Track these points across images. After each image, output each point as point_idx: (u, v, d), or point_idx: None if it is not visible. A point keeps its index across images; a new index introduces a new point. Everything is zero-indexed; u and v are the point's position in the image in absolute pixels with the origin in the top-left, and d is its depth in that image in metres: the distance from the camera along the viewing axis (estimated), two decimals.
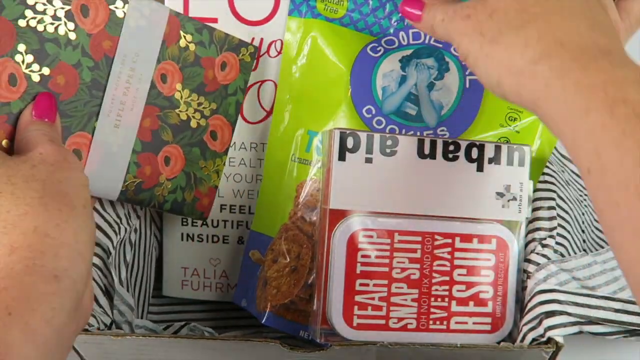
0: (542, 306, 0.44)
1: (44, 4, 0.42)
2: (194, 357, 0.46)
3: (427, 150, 0.47)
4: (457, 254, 0.47)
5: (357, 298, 0.45)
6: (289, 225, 0.51)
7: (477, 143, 0.47)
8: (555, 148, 0.57)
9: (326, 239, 0.46)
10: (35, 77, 0.42)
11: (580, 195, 0.57)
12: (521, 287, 0.49)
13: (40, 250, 0.30)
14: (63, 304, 0.30)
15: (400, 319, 0.46)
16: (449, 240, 0.47)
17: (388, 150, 0.46)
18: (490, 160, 0.47)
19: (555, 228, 0.48)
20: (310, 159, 0.51)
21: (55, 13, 0.43)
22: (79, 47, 0.44)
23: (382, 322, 0.46)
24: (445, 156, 0.47)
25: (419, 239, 0.47)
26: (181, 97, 0.48)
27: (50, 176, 0.33)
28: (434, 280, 0.47)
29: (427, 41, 0.51)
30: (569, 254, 0.49)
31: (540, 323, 0.44)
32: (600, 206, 0.29)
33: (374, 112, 0.50)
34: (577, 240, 0.51)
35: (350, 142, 0.46)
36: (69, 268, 0.30)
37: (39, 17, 0.42)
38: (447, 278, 0.47)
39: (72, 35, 0.43)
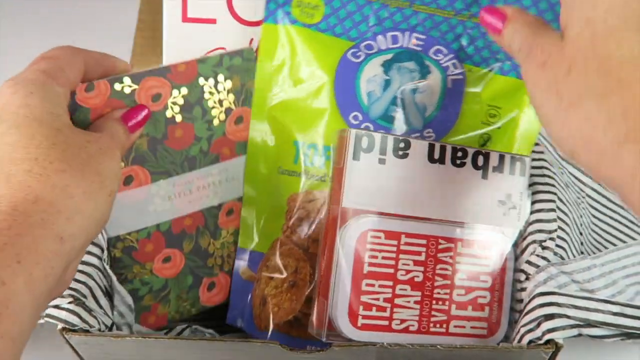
0: (542, 309, 0.44)
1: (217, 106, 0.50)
2: (194, 358, 0.46)
3: (436, 155, 0.47)
4: (458, 259, 0.48)
5: (363, 298, 0.45)
6: (282, 239, 0.50)
7: (483, 151, 0.48)
8: (555, 150, 0.58)
9: (335, 237, 0.45)
10: (169, 113, 0.48)
11: (578, 198, 0.57)
12: (516, 294, 0.49)
13: (58, 209, 0.32)
14: (60, 266, 0.31)
15: (402, 321, 0.46)
16: (452, 245, 0.47)
17: (401, 153, 0.46)
18: (495, 169, 0.48)
19: (555, 230, 0.48)
20: (299, 171, 0.50)
21: (221, 103, 0.51)
22: (213, 131, 0.50)
23: (386, 323, 0.46)
24: (453, 162, 0.47)
25: (424, 242, 0.47)
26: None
27: (98, 156, 0.36)
28: (436, 284, 0.47)
29: (405, 45, 0.51)
30: (569, 257, 0.49)
31: (538, 325, 0.44)
32: None
33: (360, 118, 0.50)
34: (576, 243, 0.51)
35: (365, 142, 0.46)
36: (75, 235, 0.32)
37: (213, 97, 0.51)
38: (448, 282, 0.47)
39: (216, 122, 0.50)
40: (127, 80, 0.48)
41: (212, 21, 0.53)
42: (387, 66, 0.50)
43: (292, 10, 0.50)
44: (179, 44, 0.54)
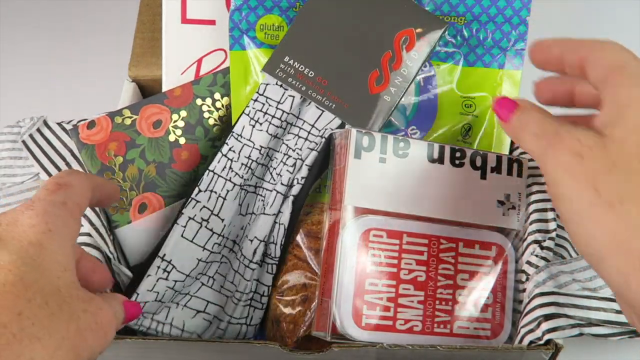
0: (541, 309, 0.44)
1: (218, 123, 0.52)
2: (193, 359, 0.46)
3: (435, 155, 0.47)
4: (460, 259, 0.47)
5: (367, 297, 0.45)
6: (286, 257, 0.50)
7: (481, 152, 0.48)
8: None
9: (338, 236, 0.45)
10: (172, 137, 0.49)
11: None
12: (518, 295, 0.48)
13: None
14: None
15: (406, 321, 0.46)
16: (453, 245, 0.47)
17: (401, 152, 0.46)
18: (493, 169, 0.48)
19: (554, 230, 0.47)
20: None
21: (222, 120, 0.52)
22: (218, 148, 0.50)
23: (390, 323, 0.46)
24: (452, 162, 0.47)
25: (426, 241, 0.47)
26: None
27: (87, 332, 0.32)
28: (439, 284, 0.47)
29: None
30: (570, 256, 0.48)
31: (538, 326, 0.44)
32: None
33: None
34: None
35: (365, 141, 0.46)
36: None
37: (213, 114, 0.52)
38: (451, 282, 0.47)
39: (218, 143, 0.51)
40: (126, 112, 0.49)
41: (211, 22, 0.54)
42: None
43: (257, 34, 0.51)
44: (178, 45, 0.55)
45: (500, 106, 0.36)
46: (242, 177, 0.48)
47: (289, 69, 0.49)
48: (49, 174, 0.54)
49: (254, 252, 0.48)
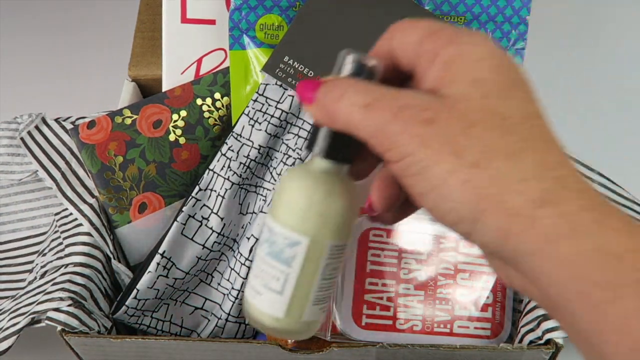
0: (541, 308, 0.44)
1: (218, 123, 0.52)
2: (193, 358, 0.46)
3: None
4: (460, 258, 0.47)
5: (367, 297, 0.45)
6: None
7: None
8: None
9: None
10: (172, 137, 0.50)
11: None
12: (518, 295, 0.48)
13: None
14: None
15: (406, 321, 0.46)
16: (453, 244, 0.47)
17: None
18: None
19: None
20: None
21: (222, 120, 0.52)
22: (218, 147, 0.49)
23: (390, 322, 0.46)
24: None
25: (426, 241, 0.47)
26: None
27: None
28: (439, 283, 0.47)
29: None
30: None
31: (538, 325, 0.43)
32: None
33: None
34: None
35: None
36: None
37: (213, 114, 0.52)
38: (451, 282, 0.47)
39: (218, 143, 0.51)
40: (126, 111, 0.49)
41: (211, 22, 0.53)
42: None
43: (257, 34, 0.51)
44: (178, 45, 0.54)
45: (303, 88, 0.30)
46: (240, 176, 0.48)
47: (289, 68, 0.49)
48: (48, 173, 0.54)
49: (250, 250, 0.48)
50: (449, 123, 0.26)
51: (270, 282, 0.36)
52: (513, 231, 0.24)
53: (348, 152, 0.32)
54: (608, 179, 0.59)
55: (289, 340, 0.48)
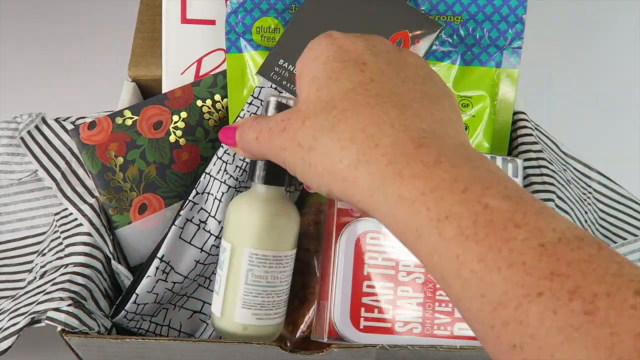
0: None
1: (218, 124, 0.52)
2: (193, 359, 0.46)
3: None
4: None
5: (364, 300, 0.45)
6: None
7: None
8: (558, 147, 0.57)
9: (333, 240, 0.45)
10: (172, 138, 0.50)
11: (584, 194, 0.57)
12: None
13: None
14: None
15: (406, 323, 0.46)
16: None
17: None
18: None
19: None
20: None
21: (222, 121, 0.52)
22: (218, 149, 0.49)
23: (389, 325, 0.46)
24: None
25: None
26: None
27: None
28: (438, 285, 0.47)
29: None
30: None
31: None
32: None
33: None
34: None
35: None
36: None
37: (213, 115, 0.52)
38: None
39: (218, 144, 0.51)
40: (127, 112, 0.49)
41: (211, 22, 0.54)
42: None
43: (253, 36, 0.51)
44: (178, 45, 0.55)
45: (224, 136, 0.38)
46: (236, 180, 0.48)
47: (284, 72, 0.49)
48: (48, 172, 0.54)
49: None
50: (294, 124, 0.31)
51: (215, 286, 0.45)
52: (349, 192, 0.29)
53: (263, 173, 0.43)
54: (607, 178, 0.59)
55: (289, 341, 0.48)
